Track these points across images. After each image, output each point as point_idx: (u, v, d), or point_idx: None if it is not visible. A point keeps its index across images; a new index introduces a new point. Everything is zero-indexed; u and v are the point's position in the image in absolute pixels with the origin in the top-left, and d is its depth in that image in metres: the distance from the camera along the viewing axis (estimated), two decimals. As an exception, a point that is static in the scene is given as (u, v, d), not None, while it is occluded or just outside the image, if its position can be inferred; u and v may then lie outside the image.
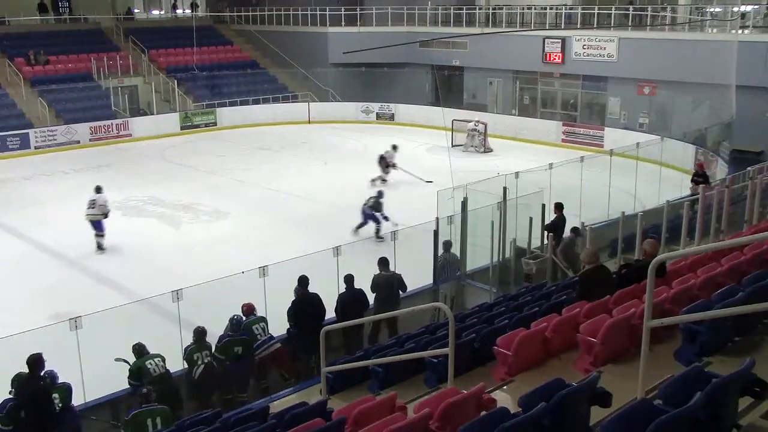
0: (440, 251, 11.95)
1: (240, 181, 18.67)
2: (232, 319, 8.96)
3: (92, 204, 14.56)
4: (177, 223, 16.72)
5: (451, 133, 23.23)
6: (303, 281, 9.58)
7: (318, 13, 30.80)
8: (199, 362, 8.49)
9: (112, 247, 14.82)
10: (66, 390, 7.64)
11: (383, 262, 10.39)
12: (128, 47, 30.65)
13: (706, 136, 20.65)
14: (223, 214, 17.30)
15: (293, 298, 9.68)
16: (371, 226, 15.16)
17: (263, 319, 9.23)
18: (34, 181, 20.80)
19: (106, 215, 14.56)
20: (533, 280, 11.28)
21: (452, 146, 22.48)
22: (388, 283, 10.23)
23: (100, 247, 14.53)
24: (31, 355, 7.34)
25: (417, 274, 12.12)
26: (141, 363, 8.28)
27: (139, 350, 8.38)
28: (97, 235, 14.54)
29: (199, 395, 8.62)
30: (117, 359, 8.32)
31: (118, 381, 8.25)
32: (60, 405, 7.51)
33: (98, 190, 14.91)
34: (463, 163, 21.66)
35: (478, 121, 24.06)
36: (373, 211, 15.27)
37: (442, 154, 21.90)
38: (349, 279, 9.98)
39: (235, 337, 8.80)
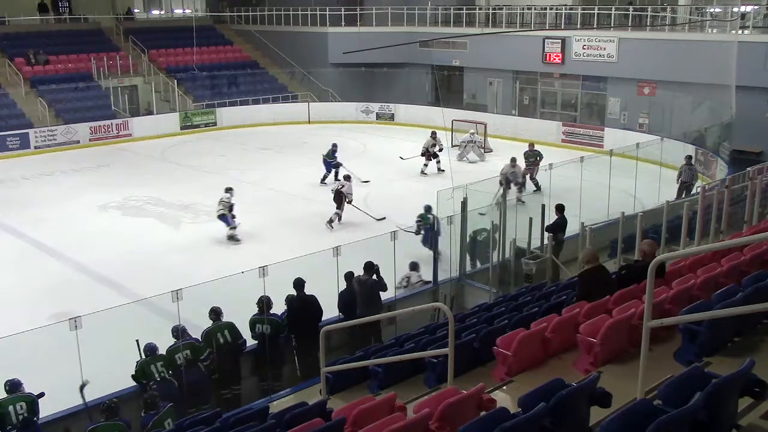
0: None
1: (240, 181, 18.65)
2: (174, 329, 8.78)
3: (220, 201, 15.69)
4: (177, 223, 16.72)
5: (451, 133, 23.21)
6: (298, 284, 9.54)
7: (318, 13, 30.80)
8: (156, 375, 8.35)
9: (112, 247, 14.84)
10: (31, 402, 7.57)
11: (366, 267, 10.21)
12: (128, 47, 30.65)
13: (706, 137, 20.66)
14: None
15: (291, 299, 9.67)
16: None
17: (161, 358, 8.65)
18: (33, 181, 20.79)
19: (231, 209, 15.56)
20: (533, 281, 11.29)
21: (452, 146, 22.46)
22: (367, 287, 10.06)
23: (230, 238, 15.46)
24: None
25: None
26: (146, 365, 8.32)
27: (151, 350, 8.46)
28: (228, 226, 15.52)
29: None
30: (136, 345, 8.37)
31: (118, 381, 8.24)
32: (22, 416, 7.42)
33: (227, 190, 15.84)
34: (463, 163, 21.67)
35: (473, 133, 23.11)
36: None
37: (442, 155, 21.96)
38: (348, 276, 10.03)
39: (179, 343, 8.60)
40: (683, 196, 15.95)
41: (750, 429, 4.07)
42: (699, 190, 12.50)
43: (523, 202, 16.53)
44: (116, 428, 7.03)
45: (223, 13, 35.69)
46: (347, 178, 17.13)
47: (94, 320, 7.89)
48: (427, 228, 13.59)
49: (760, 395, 4.15)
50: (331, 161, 19.46)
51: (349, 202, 16.29)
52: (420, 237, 13.76)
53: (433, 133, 21.22)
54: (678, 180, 17.21)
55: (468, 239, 12.23)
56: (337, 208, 16.22)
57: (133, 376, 8.36)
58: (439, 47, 28.62)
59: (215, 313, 9.10)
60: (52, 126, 25.24)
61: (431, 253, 12.65)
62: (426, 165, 20.87)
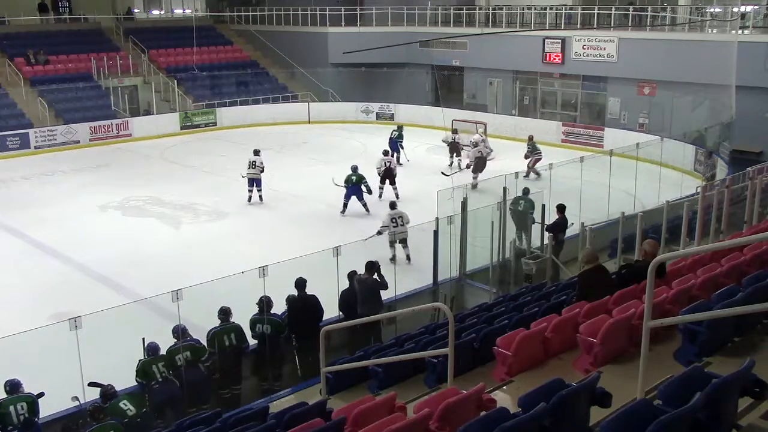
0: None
1: (240, 181, 18.65)
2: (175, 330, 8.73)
3: (252, 164, 17.58)
4: (177, 223, 16.72)
5: (452, 133, 23.17)
6: (300, 284, 9.54)
7: (318, 13, 30.79)
8: (157, 375, 8.34)
9: (112, 247, 14.85)
10: (32, 402, 7.57)
11: (368, 267, 10.24)
12: (128, 47, 30.66)
13: (706, 137, 20.66)
14: (223, 214, 17.30)
15: (292, 299, 9.68)
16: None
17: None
18: (34, 181, 20.79)
19: (262, 171, 17.71)
20: (533, 281, 11.30)
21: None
22: (368, 286, 10.10)
23: (260, 199, 17.83)
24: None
25: (417, 274, 12.15)
26: (147, 365, 8.33)
27: (153, 350, 8.47)
28: (258, 191, 17.74)
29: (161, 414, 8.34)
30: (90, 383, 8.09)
31: (118, 381, 8.23)
32: (23, 416, 7.41)
33: (256, 152, 17.98)
34: (462, 164, 21.66)
35: (483, 135, 22.80)
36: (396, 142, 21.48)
37: (442, 154, 21.99)
38: (351, 275, 10.07)
39: (179, 344, 8.56)
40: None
41: (750, 429, 4.07)
42: (699, 189, 12.50)
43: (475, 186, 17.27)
44: (111, 428, 7.03)
45: (223, 13, 35.69)
46: (386, 153, 18.54)
47: (94, 320, 7.89)
48: (350, 186, 16.60)
49: (760, 395, 4.15)
50: (399, 141, 21.58)
51: (392, 183, 17.74)
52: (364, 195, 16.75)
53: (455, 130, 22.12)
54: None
55: (509, 211, 12.58)
56: (391, 185, 17.75)
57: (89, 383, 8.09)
58: (439, 47, 28.61)
59: (224, 314, 9.07)
60: (52, 126, 25.23)
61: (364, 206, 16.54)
62: (452, 162, 21.32)
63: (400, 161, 21.44)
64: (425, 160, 22.60)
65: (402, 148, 21.78)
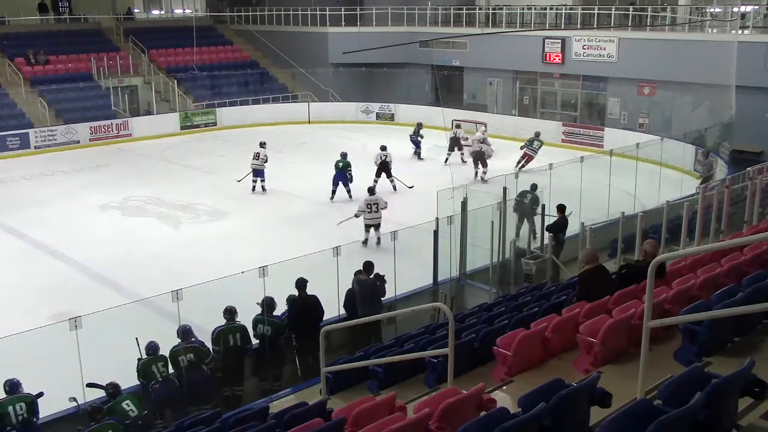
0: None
1: (240, 181, 18.69)
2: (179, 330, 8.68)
3: (257, 156, 18.64)
4: (177, 223, 16.72)
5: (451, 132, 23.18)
6: (300, 284, 9.54)
7: (318, 13, 30.79)
8: (157, 375, 8.34)
9: (112, 247, 14.85)
10: (31, 402, 7.56)
11: (366, 267, 10.26)
12: (128, 47, 30.64)
13: (706, 137, 20.67)
14: (222, 214, 17.30)
15: (293, 299, 9.67)
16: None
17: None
18: (34, 181, 20.78)
19: (266, 162, 18.70)
20: (533, 281, 11.29)
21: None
22: (368, 287, 10.11)
23: (263, 189, 18.75)
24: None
25: (417, 274, 12.14)
26: (147, 365, 8.31)
27: (153, 349, 8.45)
28: (261, 181, 18.71)
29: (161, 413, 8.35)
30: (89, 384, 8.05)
31: (117, 381, 8.23)
32: (22, 417, 7.41)
33: (262, 145, 19.01)
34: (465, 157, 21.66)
35: (484, 134, 22.51)
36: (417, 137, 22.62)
37: (442, 155, 21.99)
38: (358, 274, 10.09)
39: (181, 345, 8.56)
40: None
41: (750, 429, 4.07)
42: (699, 190, 12.50)
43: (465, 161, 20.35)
44: (109, 428, 7.02)
45: (223, 13, 35.67)
46: (384, 148, 18.88)
47: (94, 320, 7.90)
48: (336, 172, 17.66)
49: (760, 395, 4.15)
50: (416, 138, 22.77)
51: (389, 176, 18.46)
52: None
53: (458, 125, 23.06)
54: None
55: (515, 204, 13.03)
56: (388, 178, 18.42)
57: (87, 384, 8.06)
58: (439, 47, 28.60)
59: (229, 313, 9.06)
60: (52, 126, 25.23)
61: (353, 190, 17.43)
62: (447, 159, 21.57)
63: (421, 156, 22.83)
64: (426, 159, 22.62)
65: (420, 143, 22.97)
